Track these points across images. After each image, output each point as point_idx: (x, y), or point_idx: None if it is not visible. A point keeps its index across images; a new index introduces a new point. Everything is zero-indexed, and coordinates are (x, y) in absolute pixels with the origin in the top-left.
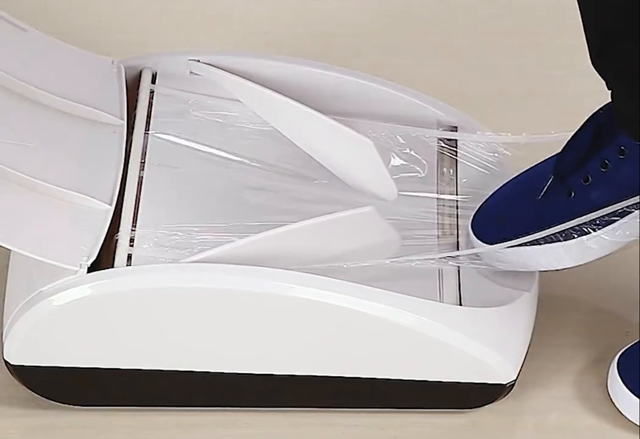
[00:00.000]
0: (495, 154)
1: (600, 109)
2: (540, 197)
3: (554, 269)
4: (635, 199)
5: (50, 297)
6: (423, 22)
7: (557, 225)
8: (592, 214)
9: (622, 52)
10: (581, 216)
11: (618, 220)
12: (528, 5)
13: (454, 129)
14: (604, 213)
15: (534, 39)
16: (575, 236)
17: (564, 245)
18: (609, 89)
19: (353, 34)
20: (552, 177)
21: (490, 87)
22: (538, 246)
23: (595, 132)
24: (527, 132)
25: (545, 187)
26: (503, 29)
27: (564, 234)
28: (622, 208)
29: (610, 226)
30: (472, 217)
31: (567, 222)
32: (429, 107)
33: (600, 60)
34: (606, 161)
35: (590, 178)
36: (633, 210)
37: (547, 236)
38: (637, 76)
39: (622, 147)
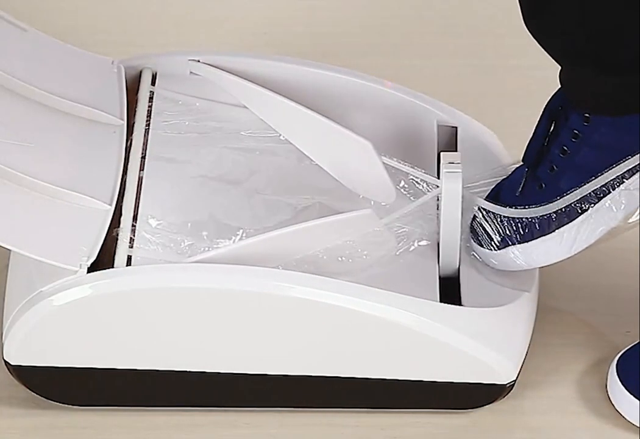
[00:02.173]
0: (496, 155)
1: (552, 96)
2: (518, 193)
3: (549, 264)
4: (597, 183)
5: (50, 297)
6: (423, 22)
7: (535, 218)
8: (563, 198)
9: (557, 8)
10: (546, 200)
11: (590, 208)
12: None
13: (454, 129)
14: (571, 201)
15: (533, 39)
16: (555, 228)
17: (546, 239)
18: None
19: (353, 34)
20: (527, 171)
21: (490, 87)
22: (525, 243)
23: (550, 120)
24: (527, 132)
25: (522, 182)
26: (503, 29)
27: (546, 227)
28: (590, 193)
29: (582, 215)
30: (471, 219)
31: (542, 207)
32: (429, 107)
33: (535, 19)
34: (564, 147)
35: (555, 167)
36: (602, 196)
37: (531, 232)
38: (573, 34)
39: (575, 131)
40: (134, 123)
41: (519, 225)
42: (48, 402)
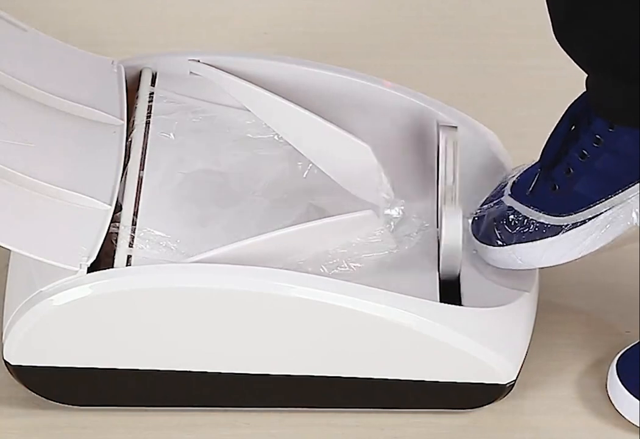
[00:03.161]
0: (496, 155)
1: (576, 99)
2: (528, 193)
3: (550, 265)
4: (625, 196)
5: (50, 297)
6: (423, 22)
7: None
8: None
9: (588, 21)
10: (566, 208)
11: (601, 214)
12: (528, 6)
13: (454, 129)
14: (598, 212)
15: (533, 39)
16: (563, 231)
17: (554, 240)
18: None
19: (353, 34)
20: (539, 171)
21: (491, 87)
22: (531, 242)
23: (572, 122)
24: (527, 132)
25: (534, 181)
26: (503, 29)
27: (554, 229)
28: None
29: (594, 219)
30: (471, 219)
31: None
32: (429, 107)
33: (566, 31)
34: (584, 151)
35: (571, 170)
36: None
37: (539, 232)
38: (604, 46)
39: (597, 136)
40: (134, 123)
41: (528, 224)
42: (48, 402)
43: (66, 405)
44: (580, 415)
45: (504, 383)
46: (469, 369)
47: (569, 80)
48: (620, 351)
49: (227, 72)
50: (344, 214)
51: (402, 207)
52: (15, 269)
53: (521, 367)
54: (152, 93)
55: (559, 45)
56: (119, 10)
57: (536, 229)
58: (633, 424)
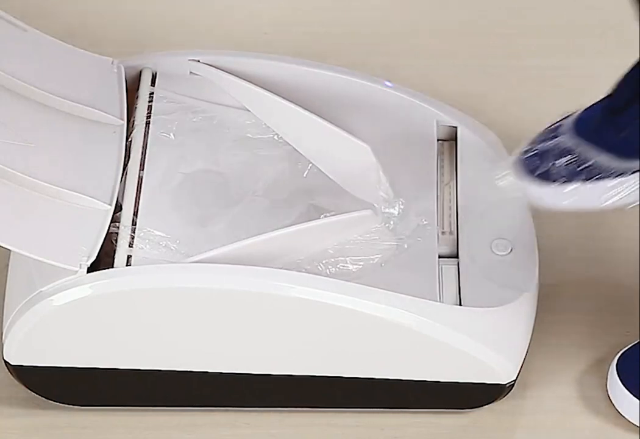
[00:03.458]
0: (496, 155)
1: None
2: (593, 132)
3: (601, 207)
4: None
5: (50, 297)
6: (424, 22)
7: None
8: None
9: None
10: (632, 153)
11: None
12: (528, 7)
13: (454, 129)
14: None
15: (533, 39)
16: (628, 174)
17: (613, 183)
18: None
19: (353, 34)
20: (605, 113)
21: (491, 87)
22: (592, 182)
23: None
24: (527, 132)
25: (598, 122)
26: (503, 29)
27: (616, 172)
28: None
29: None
30: (523, 154)
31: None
32: (429, 107)
33: None
34: None
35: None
36: None
37: (600, 172)
38: None
39: None
40: (134, 123)
41: (589, 164)
42: (48, 402)
43: (66, 405)
44: (580, 415)
45: (504, 383)
46: (469, 369)
47: (570, 80)
48: (620, 351)
49: (227, 72)
50: (343, 214)
51: (401, 206)
52: (15, 269)
53: (521, 367)
54: (152, 93)
55: None
56: (119, 10)
57: (597, 170)
58: (633, 424)
